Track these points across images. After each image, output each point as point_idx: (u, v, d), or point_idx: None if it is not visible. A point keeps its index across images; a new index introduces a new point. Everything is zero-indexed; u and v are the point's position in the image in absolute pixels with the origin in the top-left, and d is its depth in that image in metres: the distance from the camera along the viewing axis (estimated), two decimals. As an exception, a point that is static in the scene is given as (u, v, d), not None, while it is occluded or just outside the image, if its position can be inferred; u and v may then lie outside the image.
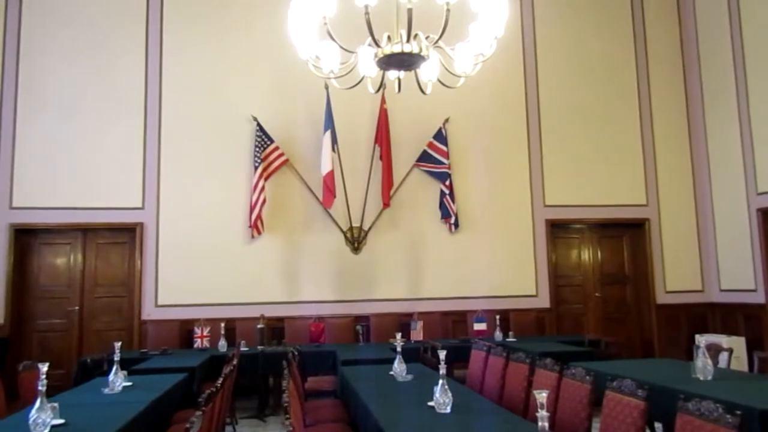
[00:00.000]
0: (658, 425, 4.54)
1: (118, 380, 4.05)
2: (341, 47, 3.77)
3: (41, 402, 2.88)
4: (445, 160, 7.97)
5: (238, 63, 7.94)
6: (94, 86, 7.64)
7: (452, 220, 7.97)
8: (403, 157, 8.03)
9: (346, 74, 3.97)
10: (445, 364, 3.24)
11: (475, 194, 8.23)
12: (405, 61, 3.76)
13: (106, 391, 3.96)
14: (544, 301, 8.24)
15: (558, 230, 8.53)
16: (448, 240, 8.08)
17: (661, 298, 8.47)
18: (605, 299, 8.60)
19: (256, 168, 7.54)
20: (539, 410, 2.14)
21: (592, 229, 8.72)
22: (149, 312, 7.43)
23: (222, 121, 7.82)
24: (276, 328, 7.37)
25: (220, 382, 3.50)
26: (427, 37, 3.73)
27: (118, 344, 4.24)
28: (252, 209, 7.49)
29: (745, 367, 6.87)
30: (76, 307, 7.51)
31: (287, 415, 2.70)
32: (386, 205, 7.79)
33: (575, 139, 8.59)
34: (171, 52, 7.85)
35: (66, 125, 7.53)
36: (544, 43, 8.70)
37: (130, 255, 7.60)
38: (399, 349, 4.40)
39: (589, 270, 8.65)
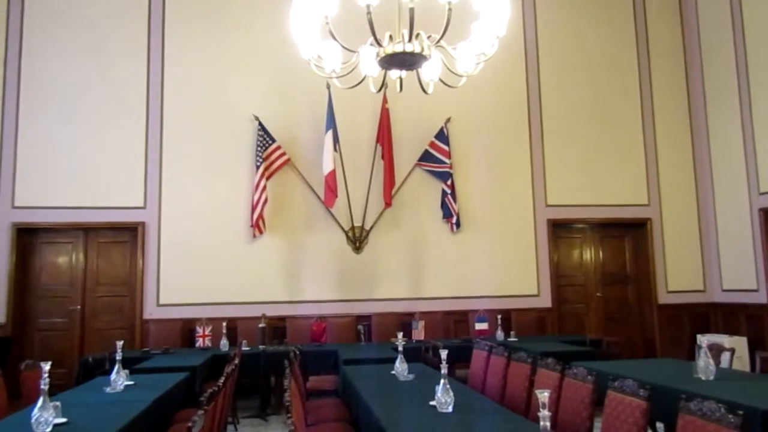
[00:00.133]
0: (659, 425, 4.53)
1: (119, 379, 4.05)
2: (343, 47, 3.77)
3: (43, 401, 2.88)
4: (446, 160, 7.97)
5: (239, 63, 7.94)
6: (96, 86, 7.65)
7: (454, 220, 7.96)
8: (405, 156, 8.03)
9: (348, 74, 3.97)
10: (447, 363, 3.24)
11: (476, 194, 8.22)
12: (407, 61, 3.76)
13: (108, 390, 3.97)
14: (545, 301, 8.24)
15: (560, 230, 8.52)
16: (450, 239, 8.08)
17: (663, 298, 8.46)
18: (607, 299, 8.60)
19: (257, 167, 7.55)
20: (541, 410, 2.13)
21: (593, 228, 8.71)
22: (151, 311, 7.44)
23: (223, 120, 7.83)
24: (277, 327, 7.37)
25: (221, 381, 3.50)
26: (428, 37, 3.73)
27: (119, 343, 4.25)
28: (253, 209, 7.50)
29: (747, 368, 6.86)
30: (78, 307, 7.52)
31: (289, 415, 2.70)
32: (388, 204, 7.79)
33: (577, 138, 8.58)
34: (172, 53, 7.85)
35: (68, 125, 7.54)
36: (545, 42, 8.69)
37: (132, 254, 7.61)
38: (400, 348, 4.40)
39: (590, 270, 8.65)
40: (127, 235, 7.63)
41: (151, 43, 7.83)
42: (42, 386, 2.88)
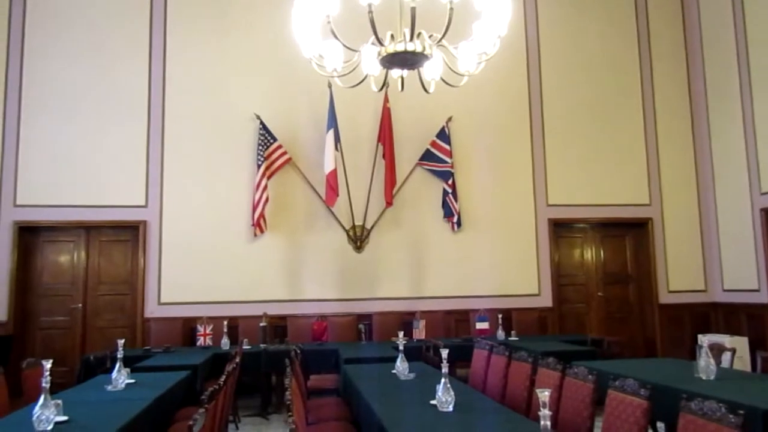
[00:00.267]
0: (660, 425, 4.54)
1: (121, 378, 4.06)
2: (344, 46, 3.77)
3: (45, 399, 2.88)
4: (447, 159, 7.97)
5: (241, 62, 7.94)
6: (97, 86, 7.66)
7: (455, 219, 7.96)
8: (406, 155, 8.03)
9: (349, 73, 3.97)
10: (448, 362, 3.24)
11: (477, 193, 8.22)
12: (408, 60, 3.76)
13: (109, 388, 3.97)
14: (546, 301, 8.24)
15: (561, 229, 8.52)
16: (451, 239, 8.08)
17: (664, 298, 8.46)
18: (608, 299, 8.59)
19: (258, 166, 7.55)
20: (541, 409, 2.13)
21: (594, 228, 8.71)
22: (152, 310, 7.45)
23: (224, 120, 7.83)
24: (278, 326, 7.38)
25: (222, 379, 3.51)
26: (430, 36, 3.73)
27: (121, 342, 4.26)
28: (255, 208, 7.50)
29: (748, 367, 6.86)
30: (80, 305, 7.53)
31: (290, 413, 2.70)
32: (389, 203, 7.79)
33: (578, 138, 8.58)
34: (173, 52, 7.86)
35: (69, 124, 7.55)
36: (547, 41, 8.68)
37: (133, 253, 7.62)
38: (401, 347, 4.40)
39: (591, 269, 8.65)
40: (129, 234, 7.63)
41: (152, 42, 7.84)
42: (43, 384, 2.88)
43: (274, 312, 7.28)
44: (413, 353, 5.36)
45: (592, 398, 3.33)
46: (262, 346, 6.41)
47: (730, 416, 2.34)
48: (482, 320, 7.47)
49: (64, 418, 3.02)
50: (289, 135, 7.84)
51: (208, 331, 6.85)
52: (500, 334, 7.03)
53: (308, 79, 6.09)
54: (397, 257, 7.96)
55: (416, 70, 3.98)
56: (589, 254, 8.68)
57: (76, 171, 7.49)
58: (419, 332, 7.08)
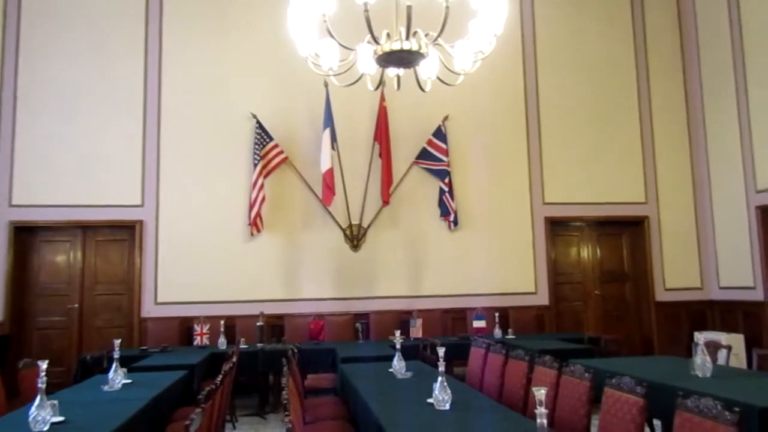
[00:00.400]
0: (657, 422, 4.55)
1: (117, 377, 4.05)
2: (340, 45, 3.76)
3: (41, 399, 2.88)
4: (444, 158, 7.97)
5: (238, 62, 7.93)
6: (95, 85, 7.64)
7: (451, 218, 7.97)
8: (403, 154, 8.03)
9: (346, 72, 3.96)
10: (445, 361, 3.25)
11: (474, 192, 8.23)
12: (404, 59, 3.75)
13: (106, 388, 3.96)
14: (543, 299, 8.25)
15: (557, 228, 8.53)
16: (448, 237, 8.09)
17: (661, 296, 8.48)
18: (604, 297, 8.61)
19: (255, 165, 7.54)
20: (538, 407, 2.14)
21: (591, 226, 8.72)
22: (149, 309, 7.44)
23: (221, 119, 7.82)
24: (275, 325, 7.38)
25: (219, 379, 3.51)
26: (426, 35, 3.73)
27: (117, 342, 4.25)
28: (251, 207, 7.49)
29: (744, 365, 6.89)
30: (76, 305, 7.51)
31: (287, 413, 2.70)
32: (386, 202, 7.79)
33: (575, 136, 8.59)
34: (170, 52, 7.84)
35: (66, 124, 7.53)
36: (543, 40, 8.69)
37: (130, 252, 7.61)
38: (398, 346, 4.40)
39: (588, 267, 8.66)
40: (126, 234, 7.62)
41: (150, 42, 7.82)
42: (40, 384, 2.87)
43: (271, 311, 7.28)
44: (410, 352, 5.37)
45: (589, 396, 3.34)
46: (259, 345, 6.41)
47: (726, 413, 2.35)
48: (479, 318, 7.48)
49: (61, 418, 3.01)
50: (285, 134, 7.83)
51: (205, 331, 6.84)
52: (497, 332, 7.04)
53: (305, 78, 6.08)
54: (393, 256, 7.96)
55: (412, 69, 3.97)
56: (585, 252, 8.70)
57: (72, 170, 7.47)
58: (416, 331, 7.09)
